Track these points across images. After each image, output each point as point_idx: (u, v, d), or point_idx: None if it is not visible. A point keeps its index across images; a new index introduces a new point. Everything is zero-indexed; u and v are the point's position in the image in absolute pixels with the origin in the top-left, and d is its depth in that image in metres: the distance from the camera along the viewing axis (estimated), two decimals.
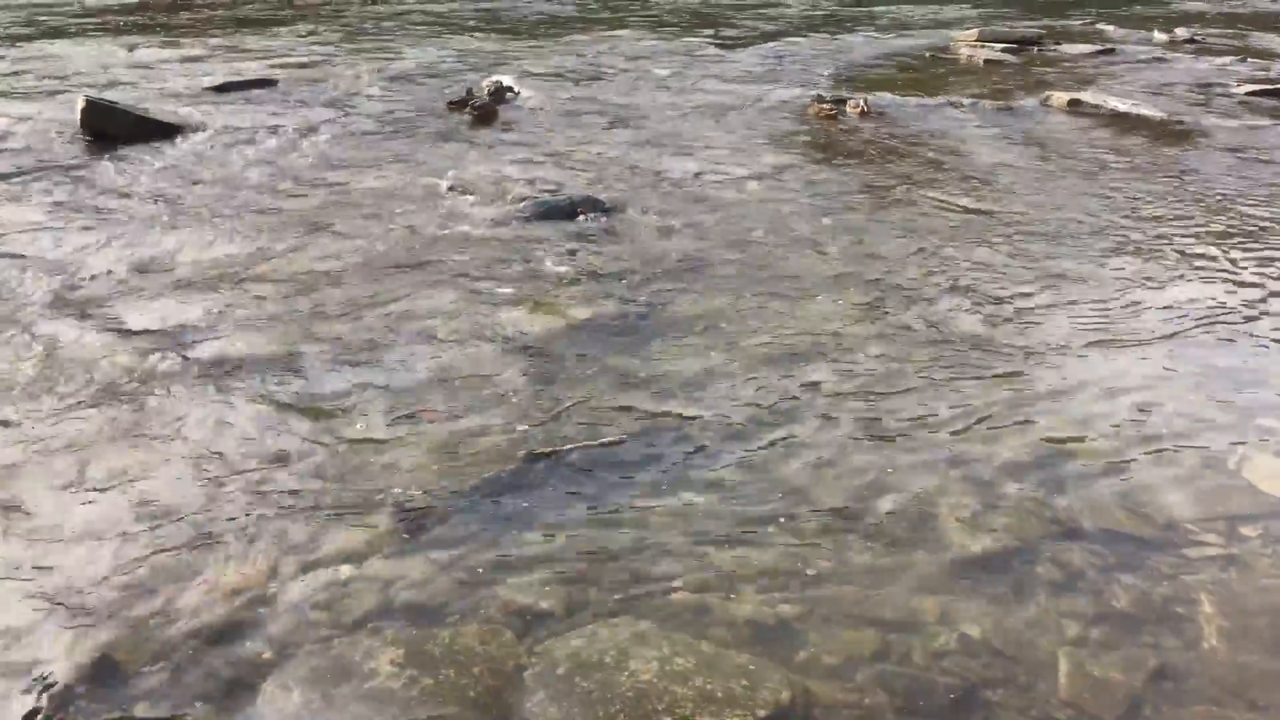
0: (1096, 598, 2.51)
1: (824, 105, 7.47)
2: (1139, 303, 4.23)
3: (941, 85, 8.77)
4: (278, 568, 2.55)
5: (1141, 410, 3.37)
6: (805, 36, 11.17)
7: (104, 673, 2.23)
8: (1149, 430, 3.25)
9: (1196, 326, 4.02)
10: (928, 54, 10.32)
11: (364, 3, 12.83)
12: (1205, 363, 3.72)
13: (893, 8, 13.51)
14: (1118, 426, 3.27)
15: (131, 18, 11.56)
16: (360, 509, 2.79)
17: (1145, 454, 3.12)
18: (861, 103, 7.53)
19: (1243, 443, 3.18)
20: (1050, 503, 2.87)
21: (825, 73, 9.16)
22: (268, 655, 2.29)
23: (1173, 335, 3.94)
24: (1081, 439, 3.19)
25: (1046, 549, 2.68)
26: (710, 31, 11.40)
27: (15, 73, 8.38)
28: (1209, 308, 4.20)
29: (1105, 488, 2.95)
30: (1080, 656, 2.32)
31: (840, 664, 2.29)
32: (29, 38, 10.13)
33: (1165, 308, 4.19)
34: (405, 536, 2.67)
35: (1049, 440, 3.18)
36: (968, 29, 11.30)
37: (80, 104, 6.49)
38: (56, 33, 10.46)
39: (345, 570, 2.55)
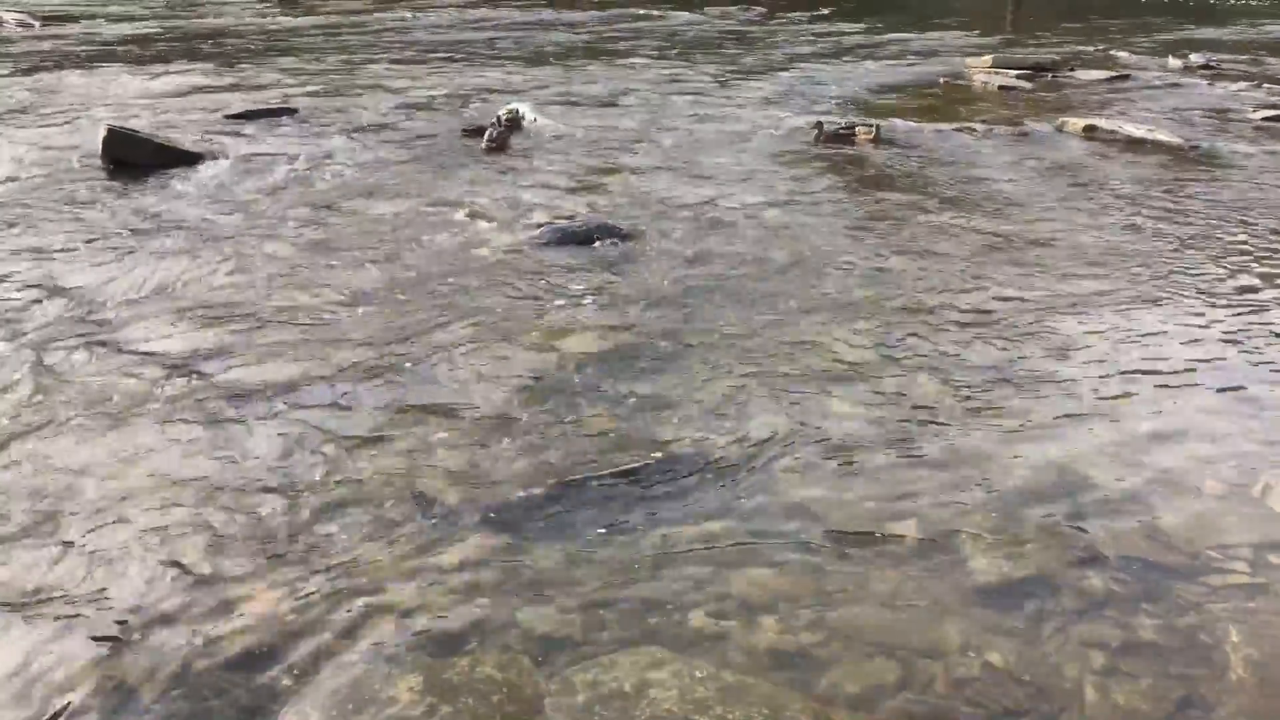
0: (1121, 626, 2.48)
1: (826, 132, 7.44)
2: (1159, 328, 4.21)
3: (956, 111, 8.80)
4: (296, 593, 2.55)
5: (1164, 437, 3.35)
6: (819, 64, 11.23)
7: (120, 698, 2.23)
8: (1172, 457, 3.23)
9: (1219, 353, 4.00)
10: (942, 80, 10.35)
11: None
12: (1227, 389, 3.69)
13: (906, 34, 13.58)
14: (1140, 453, 3.24)
15: (154, 47, 11.71)
16: (378, 536, 2.78)
17: (1169, 481, 3.09)
18: (873, 129, 7.54)
19: (1267, 470, 3.15)
20: (1074, 530, 2.84)
21: (839, 100, 9.20)
22: (286, 681, 2.28)
23: (1195, 361, 3.91)
24: (1104, 466, 3.16)
25: (1070, 576, 2.65)
26: (725, 60, 11.47)
27: (39, 102, 8.49)
28: (1231, 333, 4.18)
29: (1129, 515, 2.92)
30: (1106, 685, 2.30)
31: (862, 692, 2.27)
32: (52, 67, 10.27)
33: (1186, 334, 4.16)
34: (422, 564, 2.67)
35: (1072, 467, 3.15)
36: (981, 55, 11.34)
37: (102, 132, 6.57)
38: (79, 62, 10.60)
39: (364, 597, 2.54)
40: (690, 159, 6.95)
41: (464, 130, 7.44)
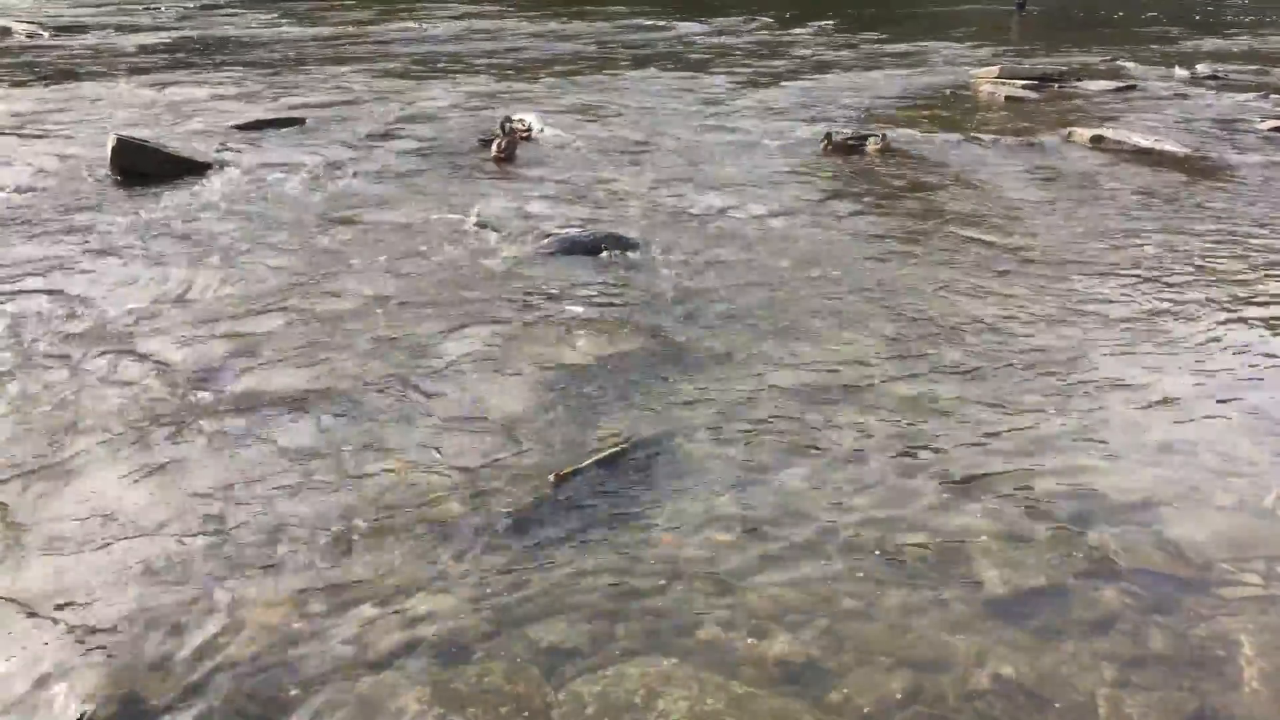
0: (1134, 639, 2.46)
1: (835, 142, 7.47)
2: (1170, 340, 4.19)
3: (963, 122, 8.80)
4: (303, 602, 2.54)
5: (1175, 449, 3.33)
6: (826, 75, 11.24)
7: (129, 709, 2.22)
8: (1183, 469, 3.21)
9: (1229, 364, 3.98)
10: (948, 91, 10.35)
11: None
12: (1239, 400, 3.67)
13: (913, 45, 13.59)
14: (1151, 465, 3.23)
15: (164, 58, 11.76)
16: (386, 542, 2.78)
17: (1180, 493, 3.07)
18: (881, 139, 7.54)
19: (1279, 483, 3.13)
20: (1084, 541, 2.83)
21: (846, 110, 9.21)
22: (294, 692, 2.27)
23: (1205, 372, 3.89)
24: (1115, 477, 3.15)
25: (1081, 588, 2.63)
26: (733, 71, 11.49)
27: (48, 111, 8.53)
28: (1241, 345, 4.16)
29: (1140, 527, 2.90)
30: (1119, 698, 2.28)
31: (872, 705, 2.25)
32: (62, 77, 10.32)
33: (1196, 345, 4.15)
34: (429, 571, 2.66)
35: (1082, 478, 3.13)
36: (988, 66, 11.34)
37: (111, 142, 6.60)
38: (89, 72, 10.65)
39: (371, 606, 2.53)
40: (698, 169, 6.95)
41: (480, 140, 7.45)
